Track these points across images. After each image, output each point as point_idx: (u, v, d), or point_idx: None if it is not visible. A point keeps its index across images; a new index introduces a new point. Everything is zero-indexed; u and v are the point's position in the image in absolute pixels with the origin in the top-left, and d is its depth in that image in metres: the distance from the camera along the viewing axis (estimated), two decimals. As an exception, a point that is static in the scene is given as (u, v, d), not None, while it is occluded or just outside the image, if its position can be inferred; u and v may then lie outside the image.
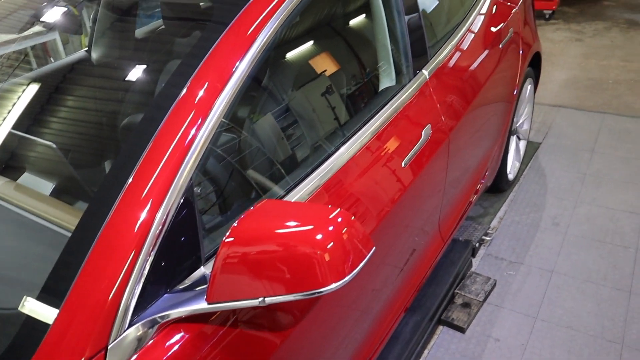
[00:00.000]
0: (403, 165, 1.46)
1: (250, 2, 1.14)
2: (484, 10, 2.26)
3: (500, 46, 2.28)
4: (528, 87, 2.95)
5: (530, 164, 3.30)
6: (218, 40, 1.08)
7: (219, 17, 1.15)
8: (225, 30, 1.10)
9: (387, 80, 1.60)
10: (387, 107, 1.51)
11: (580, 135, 3.62)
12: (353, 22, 1.63)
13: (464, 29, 2.04)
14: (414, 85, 1.63)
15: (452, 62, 1.87)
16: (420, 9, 1.74)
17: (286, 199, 1.17)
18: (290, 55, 1.46)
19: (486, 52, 2.14)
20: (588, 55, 5.13)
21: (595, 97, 4.21)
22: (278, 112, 1.36)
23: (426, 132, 1.58)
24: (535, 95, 4.27)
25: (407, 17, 1.64)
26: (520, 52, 2.54)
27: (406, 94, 1.58)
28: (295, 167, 1.29)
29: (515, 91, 2.55)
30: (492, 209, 2.93)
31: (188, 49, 1.10)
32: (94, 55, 1.57)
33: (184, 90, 1.01)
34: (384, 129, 1.46)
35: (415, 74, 1.66)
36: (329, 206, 0.89)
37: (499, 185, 2.88)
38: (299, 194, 1.19)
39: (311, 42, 1.53)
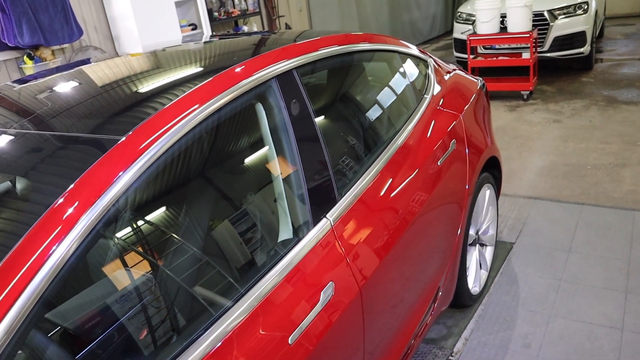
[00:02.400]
0: (290, 342, 1.24)
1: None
2: (417, 126, 2.12)
3: (439, 163, 2.12)
4: (487, 193, 2.77)
5: (502, 270, 3.06)
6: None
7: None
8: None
9: (284, 232, 1.42)
10: (276, 268, 1.32)
11: (557, 232, 3.40)
12: (240, 162, 1.46)
13: (391, 151, 1.89)
14: (311, 238, 1.44)
15: (371, 196, 1.69)
16: (325, 144, 1.59)
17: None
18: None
19: (420, 173, 1.97)
20: (566, 138, 5.00)
21: (573, 186, 4.02)
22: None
23: (326, 293, 1.37)
24: (511, 187, 4.10)
25: (304, 157, 1.49)
26: (468, 163, 2.38)
27: (300, 250, 1.39)
28: (167, 340, 1.09)
29: (465, 206, 2.36)
30: (457, 328, 2.66)
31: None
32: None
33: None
34: (268, 297, 1.26)
35: (317, 222, 1.48)
36: None
37: (462, 301, 2.63)
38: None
39: (201, 184, 1.36)
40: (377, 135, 1.92)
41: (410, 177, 1.91)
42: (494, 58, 6.63)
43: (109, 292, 1.05)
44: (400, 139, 1.98)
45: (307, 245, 1.41)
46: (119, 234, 1.09)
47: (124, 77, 1.55)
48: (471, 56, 6.62)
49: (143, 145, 1.13)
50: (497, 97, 6.60)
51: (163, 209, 1.20)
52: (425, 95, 2.38)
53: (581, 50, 6.80)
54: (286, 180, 1.45)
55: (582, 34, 6.74)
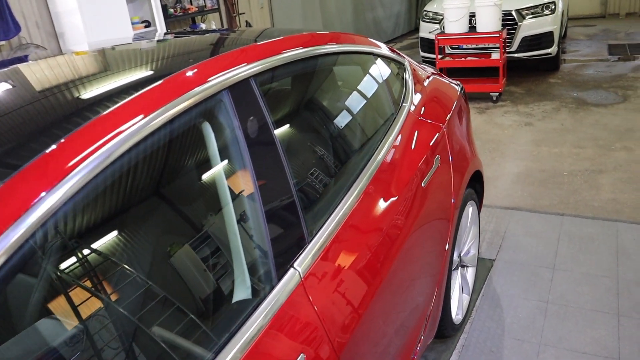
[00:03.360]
0: None
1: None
2: (396, 142, 1.83)
3: (423, 184, 1.84)
4: (470, 210, 2.51)
5: (483, 291, 2.82)
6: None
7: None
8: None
9: (241, 291, 1.10)
10: (231, 344, 1.00)
11: (538, 246, 3.18)
12: (180, 200, 1.12)
13: (369, 174, 1.59)
14: (274, 299, 1.13)
15: (349, 233, 1.39)
16: (291, 173, 1.28)
17: None
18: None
19: (403, 200, 1.68)
20: (539, 142, 4.83)
21: (551, 194, 3.83)
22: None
23: (296, 368, 1.06)
24: (487, 196, 3.87)
25: (264, 190, 1.17)
26: (452, 181, 2.10)
27: (261, 316, 1.07)
28: None
29: (450, 228, 2.09)
30: (440, 362, 2.40)
31: None
32: None
33: None
34: None
35: (282, 275, 1.16)
36: None
37: (444, 332, 2.36)
38: None
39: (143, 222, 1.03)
40: (352, 158, 1.61)
41: (392, 205, 1.61)
42: (463, 58, 6.44)
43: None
44: (378, 159, 1.68)
45: (269, 309, 1.10)
46: (36, 272, 0.77)
47: (61, 78, 1.19)
48: (439, 56, 6.41)
49: (74, 161, 0.82)
50: (466, 99, 6.42)
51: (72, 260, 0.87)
52: (403, 104, 2.09)
53: (549, 50, 6.69)
54: (241, 221, 1.13)
55: (550, 34, 6.63)
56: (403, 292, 1.63)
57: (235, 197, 1.13)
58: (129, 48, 1.53)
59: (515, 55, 6.74)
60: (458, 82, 2.83)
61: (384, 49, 2.20)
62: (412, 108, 2.11)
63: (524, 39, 6.64)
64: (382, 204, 1.58)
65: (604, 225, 3.34)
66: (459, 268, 2.53)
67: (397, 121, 1.93)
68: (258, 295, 1.11)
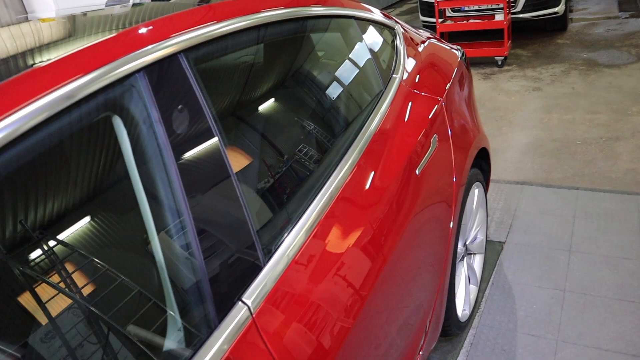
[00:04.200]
0: None
1: None
2: (384, 123, 1.53)
3: (418, 172, 1.54)
4: (475, 193, 2.22)
5: (492, 280, 2.54)
6: None
7: None
8: None
9: (170, 339, 0.82)
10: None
11: (552, 225, 2.89)
12: (87, 218, 0.83)
13: (347, 167, 1.29)
14: (216, 346, 0.85)
15: (320, 247, 1.10)
16: (235, 177, 0.98)
17: None
18: None
19: (392, 196, 1.39)
20: (549, 109, 4.50)
21: (564, 166, 3.52)
22: None
23: None
24: (495, 169, 3.57)
25: (195, 200, 0.88)
26: (454, 163, 1.81)
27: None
28: None
29: (453, 217, 1.80)
30: (446, 365, 2.14)
31: None
32: None
33: None
34: None
35: (225, 312, 0.88)
36: None
37: (448, 331, 2.10)
38: None
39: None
40: (325, 156, 1.30)
41: (377, 207, 1.32)
42: (465, 22, 6.04)
43: None
44: (359, 148, 1.37)
45: (209, 359, 0.82)
46: None
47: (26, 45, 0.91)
48: (440, 20, 6.02)
49: None
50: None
51: None
52: (394, 75, 1.78)
53: (556, 9, 6.27)
54: (164, 245, 0.85)
55: (557, -9, 6.21)
56: (393, 310, 1.35)
57: (157, 211, 0.84)
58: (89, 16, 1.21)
59: (520, 15, 6.32)
60: (458, 47, 2.50)
61: (374, 14, 1.88)
62: (405, 80, 1.79)
63: (530, -2, 6.22)
64: (362, 208, 1.28)
65: (623, 199, 3.04)
66: (465, 258, 2.25)
67: (385, 98, 1.62)
68: (193, 341, 0.84)
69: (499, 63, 5.79)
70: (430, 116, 1.73)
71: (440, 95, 1.89)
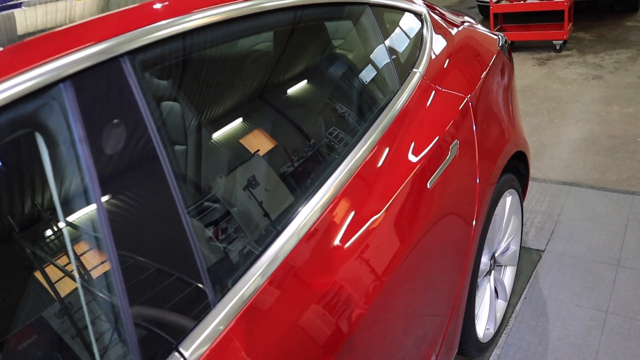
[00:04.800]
0: None
1: None
2: (391, 129, 1.33)
3: (429, 186, 1.34)
4: (508, 200, 1.98)
5: (526, 293, 2.31)
6: None
7: None
8: None
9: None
10: None
11: (600, 234, 2.60)
12: None
13: (336, 185, 1.11)
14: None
15: (287, 285, 0.93)
16: (183, 203, 0.83)
17: None
18: None
19: (392, 217, 1.20)
20: (609, 100, 4.10)
21: (620, 166, 3.18)
22: None
23: None
24: (541, 167, 3.27)
25: (122, 236, 0.74)
26: (478, 172, 1.59)
27: None
28: None
29: (474, 234, 1.59)
30: (464, 389, 1.95)
31: None
32: None
33: None
34: None
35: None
36: None
37: (466, 352, 1.90)
38: None
39: None
40: (311, 171, 1.11)
41: (378, 228, 1.13)
42: (522, 1, 5.61)
43: None
44: (356, 159, 1.18)
45: None
46: None
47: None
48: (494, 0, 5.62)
49: None
50: (523, 48, 5.64)
51: None
52: (414, 70, 1.57)
53: (626, -12, 5.73)
54: (85, 286, 0.71)
55: (629, -32, 5.66)
56: (393, 337, 1.18)
57: (79, 247, 0.70)
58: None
59: (585, -5, 5.82)
60: (499, 34, 2.23)
61: None
62: (427, 74, 1.58)
63: (597, -24, 5.70)
64: (357, 225, 1.10)
65: (686, 208, 2.70)
66: (492, 272, 2.03)
67: (397, 100, 1.42)
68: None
69: (557, 47, 5.35)
70: (452, 119, 1.51)
71: (470, 92, 1.66)
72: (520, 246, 2.32)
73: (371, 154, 1.22)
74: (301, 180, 1.06)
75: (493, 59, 1.96)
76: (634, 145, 3.39)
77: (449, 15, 2.05)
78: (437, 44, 1.76)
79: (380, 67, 1.45)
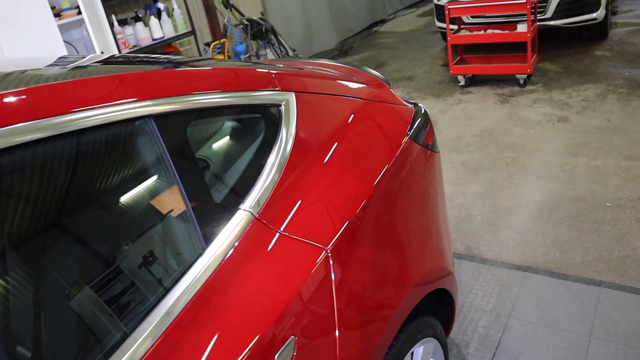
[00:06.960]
0: None
1: None
2: (183, 310, 0.78)
3: None
4: (420, 352, 1.43)
5: None
6: None
7: None
8: None
9: None
10: None
11: (558, 347, 2.06)
12: None
13: None
14: None
15: None
16: None
17: None
18: None
19: None
20: (575, 149, 3.60)
21: (586, 242, 2.66)
22: None
23: None
24: (493, 242, 2.53)
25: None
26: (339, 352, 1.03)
27: None
28: None
29: None
30: None
31: None
32: None
33: None
34: None
35: None
36: None
37: None
38: None
39: None
40: None
41: None
42: (481, 32, 5.14)
43: None
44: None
45: None
46: None
47: None
48: (452, 29, 5.13)
49: None
50: (485, 82, 5.16)
51: None
52: (240, 208, 1.02)
53: (594, 15, 5.29)
54: None
55: (595, -6, 5.23)
56: None
57: None
58: None
59: (551, 23, 5.37)
60: (417, 105, 1.70)
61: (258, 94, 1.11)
62: (265, 213, 1.03)
63: (562, 3, 5.25)
64: None
65: (664, 309, 2.18)
66: None
67: (195, 275, 0.86)
68: None
69: (521, 82, 4.87)
70: (289, 300, 0.95)
71: (334, 234, 1.11)
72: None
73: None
74: None
75: (394, 157, 1.42)
76: (602, 212, 2.87)
77: (340, 83, 1.49)
78: (300, 150, 1.21)
79: (166, 223, 0.89)
